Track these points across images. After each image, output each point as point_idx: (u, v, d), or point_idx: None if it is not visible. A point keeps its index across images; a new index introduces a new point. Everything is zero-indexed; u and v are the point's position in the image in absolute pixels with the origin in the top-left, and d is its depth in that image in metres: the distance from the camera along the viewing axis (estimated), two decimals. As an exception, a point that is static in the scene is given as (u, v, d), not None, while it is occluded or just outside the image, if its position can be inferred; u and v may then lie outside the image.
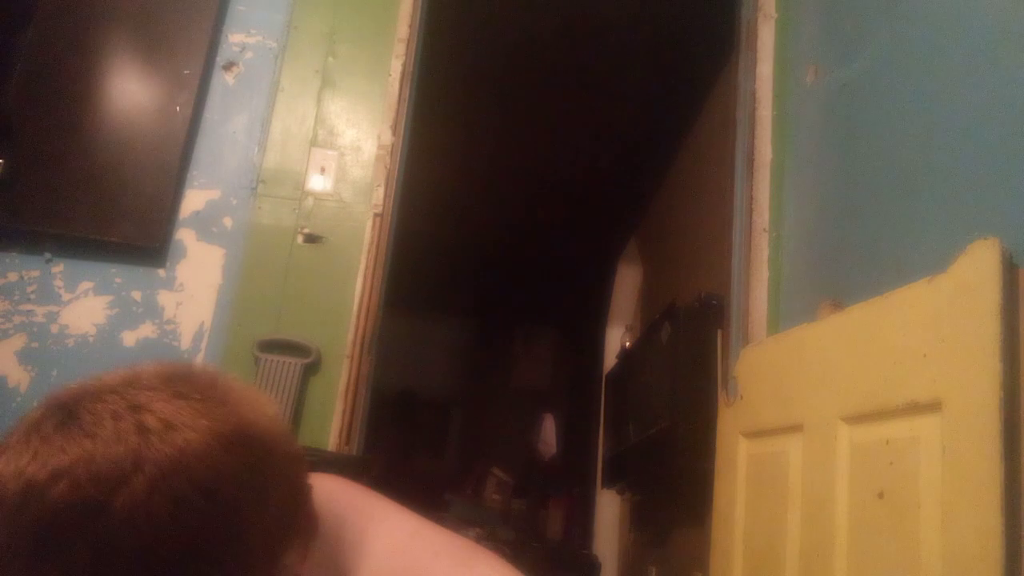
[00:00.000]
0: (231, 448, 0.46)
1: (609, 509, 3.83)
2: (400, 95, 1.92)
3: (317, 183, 1.85)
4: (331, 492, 0.62)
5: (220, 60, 1.89)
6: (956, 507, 0.97)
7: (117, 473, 0.43)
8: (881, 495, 1.14)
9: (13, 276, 1.69)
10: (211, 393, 0.49)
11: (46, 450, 0.44)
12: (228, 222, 1.80)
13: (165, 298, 1.73)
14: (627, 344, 3.58)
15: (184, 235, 1.77)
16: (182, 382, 0.49)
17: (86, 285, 1.71)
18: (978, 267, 1.00)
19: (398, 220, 1.90)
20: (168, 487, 0.43)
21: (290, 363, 1.69)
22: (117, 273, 1.73)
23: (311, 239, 1.81)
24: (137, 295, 1.72)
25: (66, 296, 1.70)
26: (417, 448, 5.03)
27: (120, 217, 1.72)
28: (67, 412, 0.46)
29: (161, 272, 1.74)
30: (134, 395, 0.47)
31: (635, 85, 3.12)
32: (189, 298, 1.74)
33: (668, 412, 2.31)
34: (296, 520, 0.51)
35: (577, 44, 2.92)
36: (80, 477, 0.42)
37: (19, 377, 1.63)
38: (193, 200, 1.79)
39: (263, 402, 0.52)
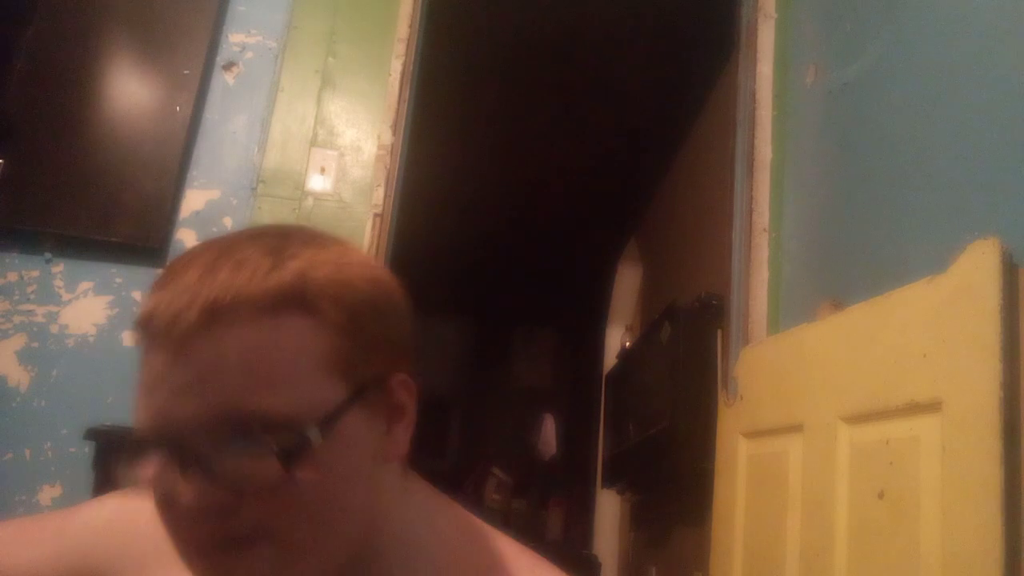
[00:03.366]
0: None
1: (609, 509, 3.84)
2: (400, 95, 1.91)
3: (317, 183, 1.85)
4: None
5: (220, 60, 1.89)
6: (956, 507, 0.97)
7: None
8: (881, 495, 1.14)
9: (13, 276, 1.69)
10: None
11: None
12: (228, 222, 1.79)
13: (165, 298, 1.73)
14: (627, 344, 3.58)
15: (184, 235, 1.77)
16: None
17: (86, 285, 1.71)
18: (978, 267, 1.00)
19: (398, 220, 1.90)
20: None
21: (290, 363, 1.69)
22: (117, 273, 1.73)
23: (311, 239, 1.80)
24: (137, 295, 1.72)
25: (66, 296, 1.70)
26: (417, 448, 5.02)
27: (120, 217, 1.72)
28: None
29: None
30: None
31: (635, 85, 3.12)
32: (189, 298, 1.73)
33: (668, 412, 2.31)
34: (407, 354, 0.56)
35: (577, 44, 2.91)
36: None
37: (19, 377, 1.63)
38: (193, 200, 1.79)
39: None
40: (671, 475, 2.38)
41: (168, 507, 0.47)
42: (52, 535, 0.67)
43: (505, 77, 3.13)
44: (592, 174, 3.92)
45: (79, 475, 1.55)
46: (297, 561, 0.48)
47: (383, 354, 0.53)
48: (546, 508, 4.86)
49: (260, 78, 1.89)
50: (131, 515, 0.65)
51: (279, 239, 0.51)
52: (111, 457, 1.37)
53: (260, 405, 0.45)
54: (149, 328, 0.48)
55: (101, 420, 1.53)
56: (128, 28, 1.83)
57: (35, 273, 1.70)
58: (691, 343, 2.28)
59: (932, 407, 1.05)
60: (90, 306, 1.70)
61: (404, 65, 1.94)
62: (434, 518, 0.60)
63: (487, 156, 3.75)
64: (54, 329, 1.67)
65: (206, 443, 0.45)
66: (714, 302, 2.27)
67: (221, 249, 0.49)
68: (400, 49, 1.95)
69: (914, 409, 1.09)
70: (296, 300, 0.48)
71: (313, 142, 1.87)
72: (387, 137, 1.88)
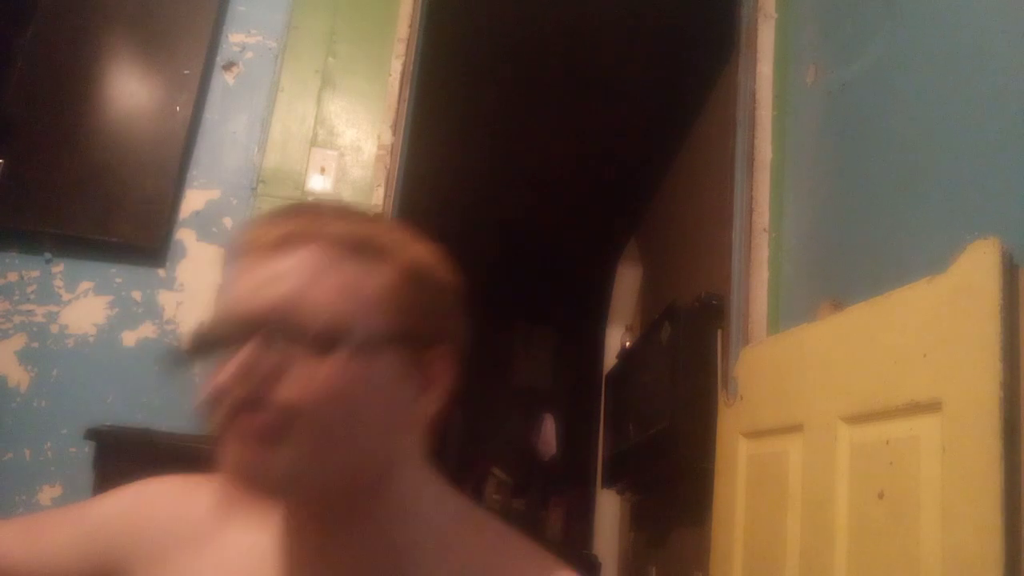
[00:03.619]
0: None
1: (609, 509, 3.84)
2: (400, 95, 1.92)
3: (317, 183, 1.85)
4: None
5: (220, 60, 1.89)
6: (956, 507, 0.97)
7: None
8: (881, 495, 1.14)
9: (13, 276, 1.69)
10: None
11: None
12: (228, 222, 1.80)
13: (165, 298, 1.73)
14: (627, 344, 3.58)
15: (184, 235, 1.77)
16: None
17: (86, 285, 1.71)
18: (978, 267, 1.00)
19: (398, 220, 1.90)
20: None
21: (290, 363, 1.69)
22: (117, 273, 1.73)
23: (311, 239, 1.80)
24: (137, 295, 1.72)
25: (66, 296, 1.70)
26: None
27: (120, 217, 1.72)
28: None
29: (161, 272, 1.74)
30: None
31: (635, 85, 3.12)
32: (189, 298, 1.74)
33: (668, 412, 2.31)
34: (454, 332, 0.62)
35: (577, 44, 2.91)
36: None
37: (19, 377, 1.63)
38: (193, 200, 1.79)
39: None
40: (671, 475, 2.38)
41: (217, 399, 0.53)
42: (71, 523, 0.68)
43: (505, 77, 3.13)
44: (592, 174, 3.92)
45: (79, 475, 1.55)
46: (310, 469, 0.53)
47: (428, 323, 0.59)
48: (546, 508, 4.85)
49: (260, 78, 1.89)
50: (150, 501, 0.68)
51: (361, 212, 0.61)
52: (112, 457, 1.37)
53: (309, 310, 0.53)
54: (238, 248, 0.57)
55: (101, 420, 1.53)
56: (128, 28, 1.83)
57: (35, 273, 1.70)
58: (691, 343, 2.28)
59: (932, 407, 1.05)
60: (90, 306, 1.70)
61: (404, 65, 1.94)
62: (444, 498, 0.64)
63: (487, 156, 3.75)
64: (54, 329, 1.67)
65: (260, 331, 0.53)
66: (714, 302, 2.27)
67: (306, 207, 0.59)
68: (400, 49, 1.95)
69: (914, 409, 1.09)
70: (361, 248, 0.57)
71: (313, 142, 1.87)
72: (387, 137, 1.88)
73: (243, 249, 0.57)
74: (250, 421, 0.52)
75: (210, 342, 0.55)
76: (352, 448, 0.55)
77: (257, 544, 0.61)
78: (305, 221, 0.57)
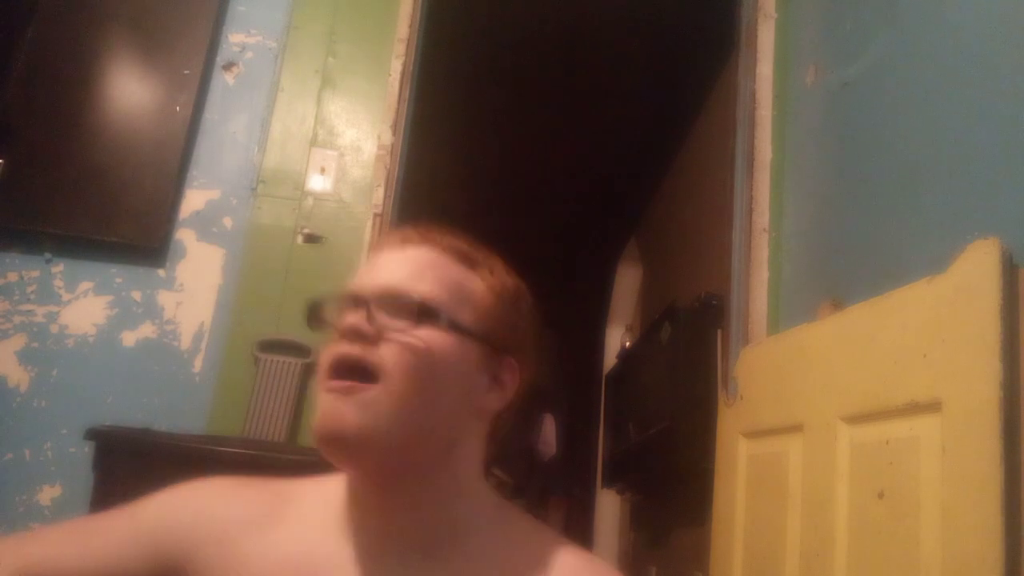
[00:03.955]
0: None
1: (609, 509, 3.84)
2: (400, 95, 1.92)
3: (317, 183, 1.85)
4: None
5: (220, 60, 1.89)
6: (956, 507, 0.97)
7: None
8: (881, 495, 1.14)
9: (13, 276, 1.69)
10: None
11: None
12: (228, 222, 1.80)
13: (165, 298, 1.73)
14: (627, 344, 3.58)
15: (184, 235, 1.77)
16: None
17: (86, 285, 1.71)
18: (978, 267, 1.00)
19: (398, 220, 1.90)
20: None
21: (290, 363, 1.69)
22: (117, 273, 1.73)
23: (311, 239, 1.81)
24: (137, 295, 1.72)
25: (66, 296, 1.70)
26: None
27: (120, 217, 1.72)
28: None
29: (161, 272, 1.74)
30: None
31: (635, 85, 3.12)
32: (189, 298, 1.74)
33: (668, 412, 2.31)
34: (526, 351, 0.74)
35: (577, 44, 2.91)
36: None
37: (19, 377, 1.63)
38: (193, 200, 1.79)
39: None
40: (671, 475, 2.38)
41: (336, 339, 0.64)
42: (126, 521, 0.69)
43: (504, 77, 3.13)
44: (592, 174, 3.91)
45: (79, 475, 1.55)
46: (390, 413, 0.61)
47: (505, 335, 0.70)
48: (546, 508, 4.85)
49: (260, 78, 1.90)
50: (206, 495, 0.71)
51: (468, 238, 0.73)
52: (112, 457, 1.37)
53: (413, 289, 0.65)
54: (382, 242, 0.72)
55: (101, 420, 1.53)
56: (128, 28, 1.83)
57: (35, 273, 1.70)
58: (691, 343, 2.28)
59: (932, 407, 1.05)
60: (90, 306, 1.70)
61: (404, 65, 1.94)
62: (486, 486, 0.72)
63: (487, 156, 3.75)
64: (54, 329, 1.67)
65: (382, 297, 0.65)
66: (714, 302, 2.27)
67: (426, 225, 0.72)
68: (400, 49, 1.95)
69: (914, 409, 1.09)
70: (464, 259, 0.70)
71: (313, 142, 1.87)
72: (387, 137, 1.88)
73: (386, 242, 0.71)
74: (346, 376, 0.62)
75: (332, 309, 0.67)
76: (425, 412, 0.63)
77: (317, 526, 0.67)
78: (423, 232, 0.71)
